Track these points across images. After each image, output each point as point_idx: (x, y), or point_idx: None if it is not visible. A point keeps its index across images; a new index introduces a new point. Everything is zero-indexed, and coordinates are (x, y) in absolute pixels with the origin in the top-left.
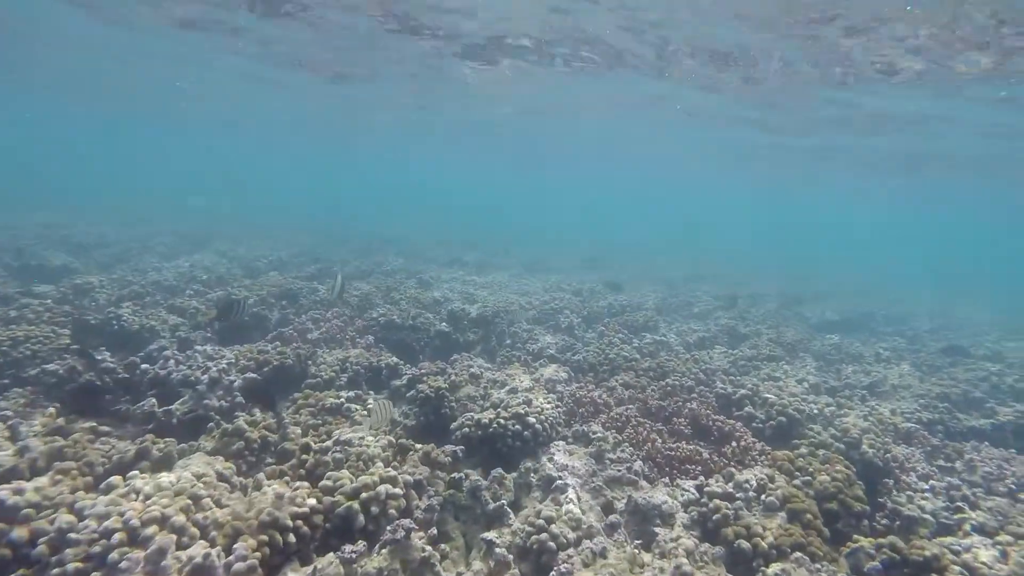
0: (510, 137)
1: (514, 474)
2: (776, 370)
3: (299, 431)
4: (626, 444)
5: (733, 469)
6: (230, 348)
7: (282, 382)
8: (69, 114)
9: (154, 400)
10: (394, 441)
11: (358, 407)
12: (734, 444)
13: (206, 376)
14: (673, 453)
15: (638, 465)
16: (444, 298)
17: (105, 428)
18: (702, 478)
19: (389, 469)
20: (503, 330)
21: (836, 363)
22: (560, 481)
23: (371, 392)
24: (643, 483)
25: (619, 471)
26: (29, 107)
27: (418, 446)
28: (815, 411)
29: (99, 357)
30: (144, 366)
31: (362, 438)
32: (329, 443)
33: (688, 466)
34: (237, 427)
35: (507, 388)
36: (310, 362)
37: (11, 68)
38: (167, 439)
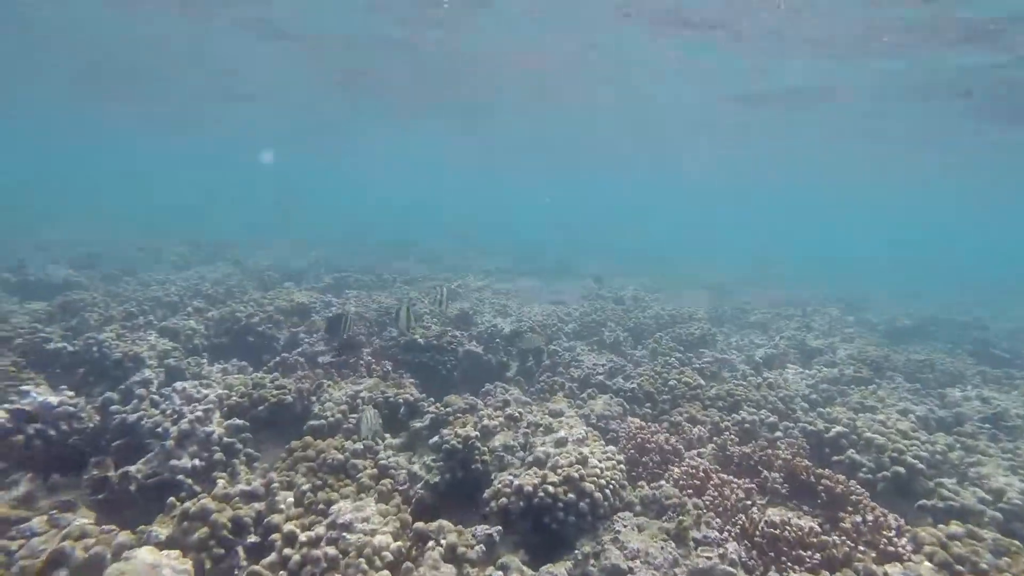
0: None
1: (568, 564)
2: (868, 396)
3: (291, 500)
4: (711, 514)
5: (869, 563)
6: (220, 380)
7: (280, 424)
8: (92, 122)
9: (108, 460)
10: (409, 521)
11: (367, 464)
12: (855, 516)
13: (175, 427)
14: (778, 532)
15: (732, 549)
16: (473, 311)
17: (29, 512)
18: (825, 574)
19: None
20: (541, 348)
21: (932, 385)
22: None
23: (387, 436)
24: None
25: (709, 559)
26: (53, 114)
27: (441, 528)
28: (937, 457)
29: (52, 399)
30: (114, 408)
31: (367, 519)
32: (322, 530)
33: (801, 552)
34: (200, 508)
35: (554, 437)
36: (314, 398)
37: (37, 70)
38: (108, 527)
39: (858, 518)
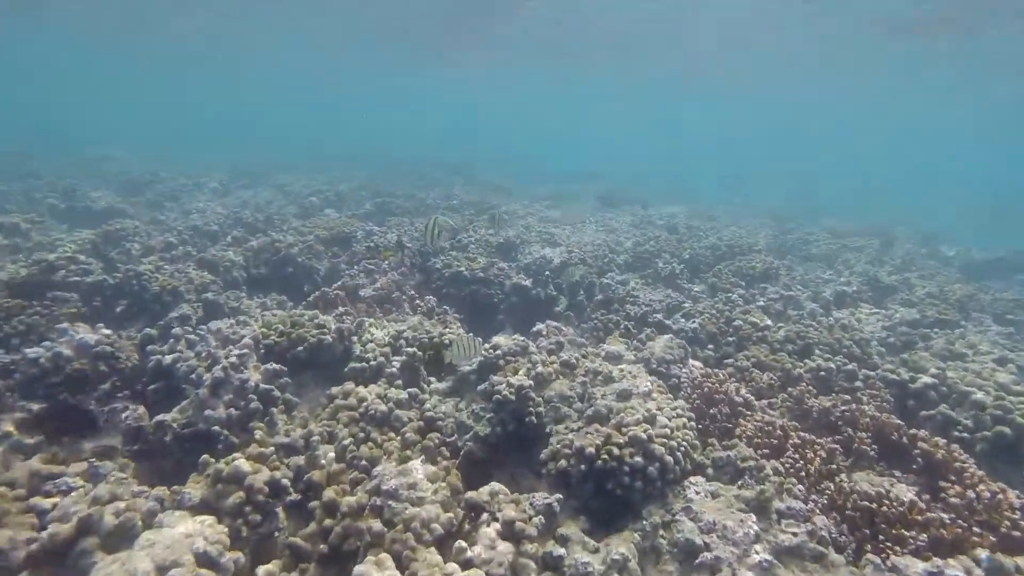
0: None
1: (635, 536)
2: (956, 342)
3: (332, 455)
4: (793, 480)
5: (994, 551)
6: (258, 317)
7: (319, 366)
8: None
9: (141, 409)
10: (459, 488)
11: (412, 416)
12: (960, 486)
13: (209, 375)
14: (874, 507)
15: (821, 523)
16: (520, 240)
17: (59, 466)
18: (936, 560)
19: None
20: (592, 282)
21: None
22: (707, 555)
23: (431, 380)
24: (836, 558)
25: (795, 535)
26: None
27: (495, 497)
28: None
29: (90, 338)
30: (151, 348)
31: (413, 485)
32: (365, 497)
33: (903, 531)
34: (234, 470)
35: (615, 388)
36: (355, 338)
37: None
38: (139, 488)
39: (971, 493)
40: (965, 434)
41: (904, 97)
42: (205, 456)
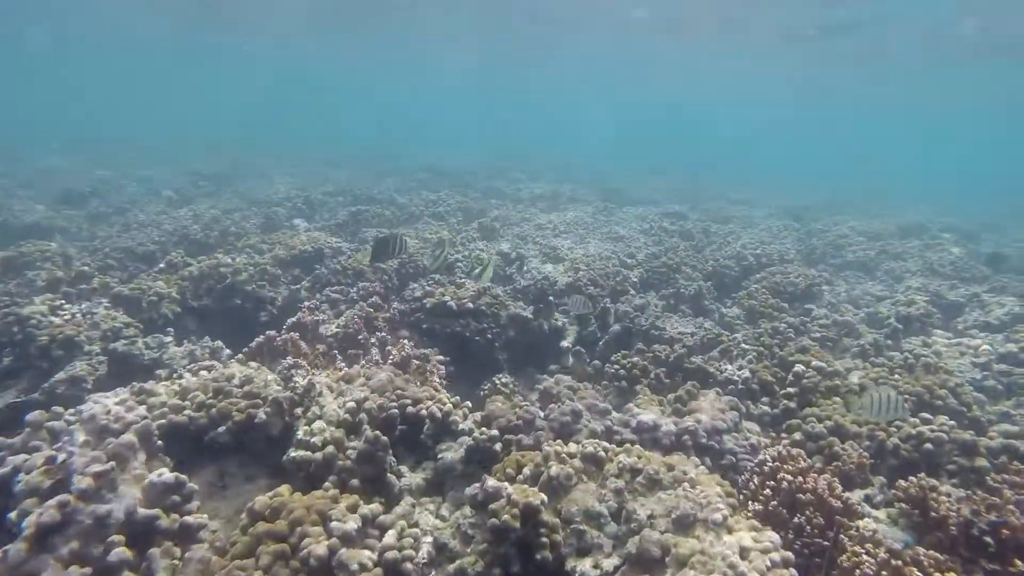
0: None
1: None
2: None
3: None
4: None
5: None
6: (170, 388)
7: (250, 451)
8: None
9: None
10: None
11: (365, 559)
12: None
13: (38, 513)
14: None
15: None
16: (516, 255)
17: None
18: None
19: None
20: (606, 307)
21: None
22: None
23: (402, 469)
24: None
25: None
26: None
27: None
28: None
29: None
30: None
31: None
32: None
33: None
34: None
35: (666, 505)
36: (299, 411)
37: None
38: None
39: None
40: None
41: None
42: None
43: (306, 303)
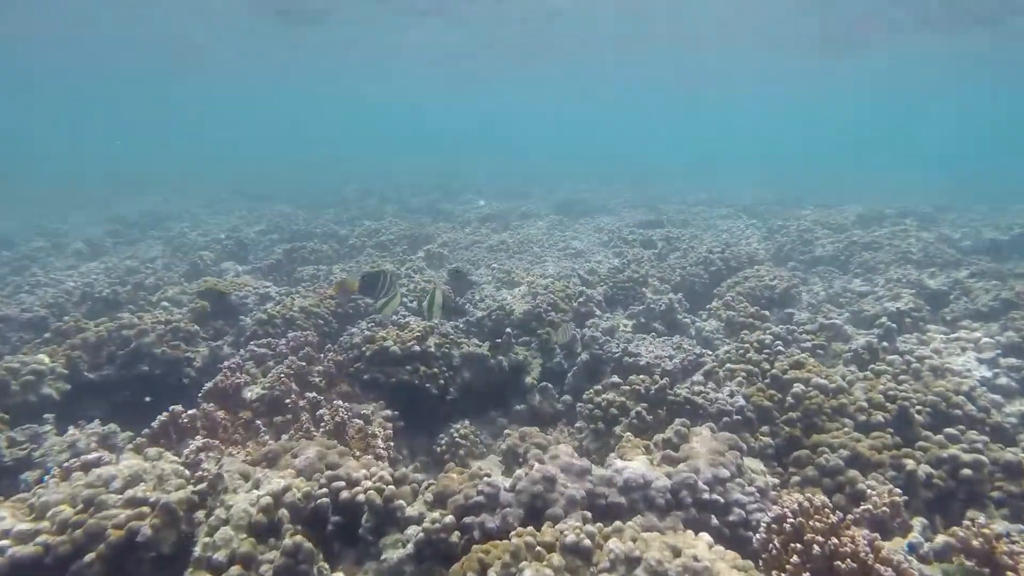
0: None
1: None
2: None
3: None
4: None
5: None
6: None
7: None
8: None
9: None
10: None
11: None
12: None
13: None
14: None
15: None
16: (468, 276)
17: None
18: None
19: None
20: (571, 336)
21: None
22: None
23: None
24: None
25: None
26: None
27: None
28: None
29: None
30: None
31: None
32: None
33: None
34: None
35: None
36: (199, 515)
37: None
38: None
39: None
40: None
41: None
42: None
43: (226, 363)
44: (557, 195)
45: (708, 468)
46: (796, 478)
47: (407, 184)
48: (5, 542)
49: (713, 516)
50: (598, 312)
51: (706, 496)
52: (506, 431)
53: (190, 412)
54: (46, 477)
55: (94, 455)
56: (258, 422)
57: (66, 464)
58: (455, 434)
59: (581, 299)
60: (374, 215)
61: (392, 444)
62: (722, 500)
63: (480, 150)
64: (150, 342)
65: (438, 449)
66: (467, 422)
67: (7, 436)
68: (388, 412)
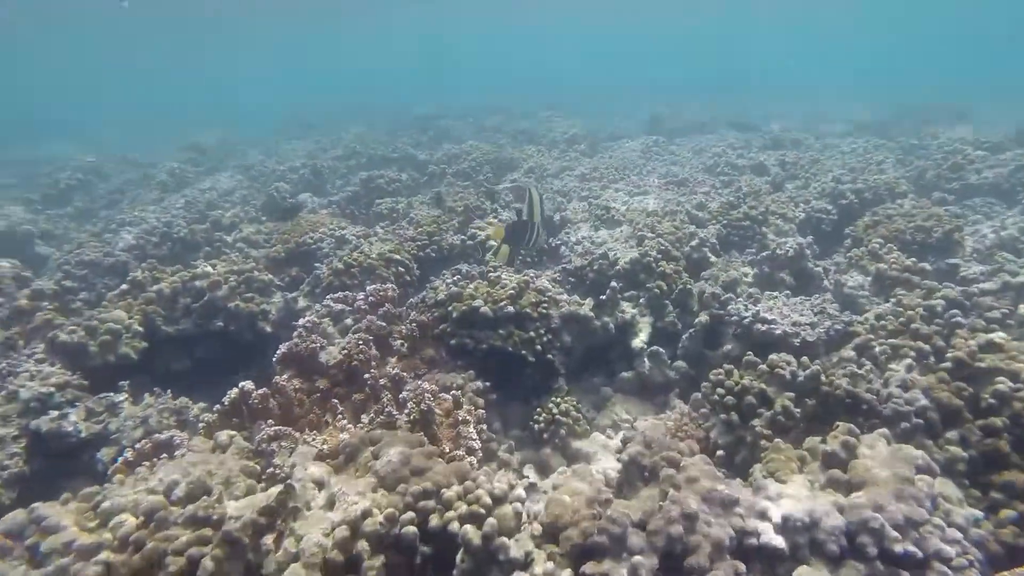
0: None
1: None
2: None
3: None
4: None
5: None
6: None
7: None
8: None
9: None
10: None
11: None
12: None
13: None
14: None
15: None
16: (559, 214)
17: None
18: None
19: None
20: (685, 288)
21: None
22: None
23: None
24: None
25: None
26: None
27: None
28: None
29: None
30: None
31: None
32: None
33: None
34: None
35: None
36: (267, 540)
37: None
38: None
39: None
40: None
41: None
42: None
43: (301, 321)
44: (643, 112)
45: (894, 502)
46: (1007, 512)
47: (479, 104)
48: (67, 560)
49: None
50: (712, 258)
51: (898, 548)
52: (623, 433)
53: (260, 392)
54: (119, 458)
55: (166, 435)
56: (335, 400)
57: (138, 445)
58: (555, 409)
59: (694, 243)
60: (453, 137)
61: (484, 427)
62: (920, 554)
63: (555, 75)
64: (223, 295)
65: (535, 427)
66: (567, 393)
67: (86, 407)
68: (478, 384)
